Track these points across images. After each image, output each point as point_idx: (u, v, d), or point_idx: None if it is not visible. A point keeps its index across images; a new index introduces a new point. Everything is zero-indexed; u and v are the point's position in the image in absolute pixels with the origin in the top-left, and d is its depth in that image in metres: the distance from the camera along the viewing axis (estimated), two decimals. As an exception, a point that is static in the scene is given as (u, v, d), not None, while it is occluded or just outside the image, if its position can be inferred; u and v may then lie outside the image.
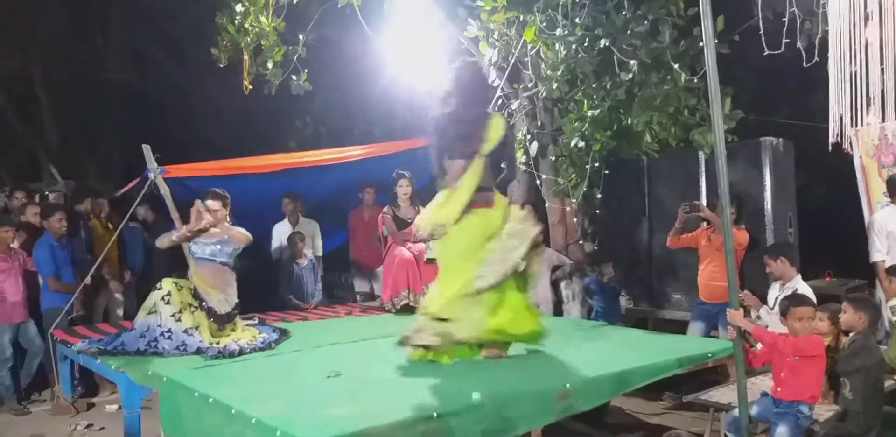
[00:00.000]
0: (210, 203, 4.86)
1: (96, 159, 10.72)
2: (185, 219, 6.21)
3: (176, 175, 6.06)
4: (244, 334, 4.64)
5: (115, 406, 5.31)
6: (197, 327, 4.30)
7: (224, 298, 4.64)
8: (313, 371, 3.66)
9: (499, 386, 3.26)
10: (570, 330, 4.87)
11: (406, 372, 3.70)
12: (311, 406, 3.00)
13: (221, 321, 4.54)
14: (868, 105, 3.36)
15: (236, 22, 6.01)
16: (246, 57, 6.12)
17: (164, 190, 5.87)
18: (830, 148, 3.28)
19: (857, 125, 3.31)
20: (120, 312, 6.58)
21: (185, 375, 3.59)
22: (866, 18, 3.46)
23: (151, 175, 5.78)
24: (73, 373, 5.43)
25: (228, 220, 4.94)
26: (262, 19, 5.89)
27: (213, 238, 4.82)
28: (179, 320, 4.23)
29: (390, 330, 4.93)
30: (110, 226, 6.51)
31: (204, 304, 4.47)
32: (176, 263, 6.23)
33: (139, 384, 3.80)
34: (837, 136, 3.23)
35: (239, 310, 4.78)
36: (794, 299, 3.85)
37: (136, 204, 6.11)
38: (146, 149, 5.79)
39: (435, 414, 2.87)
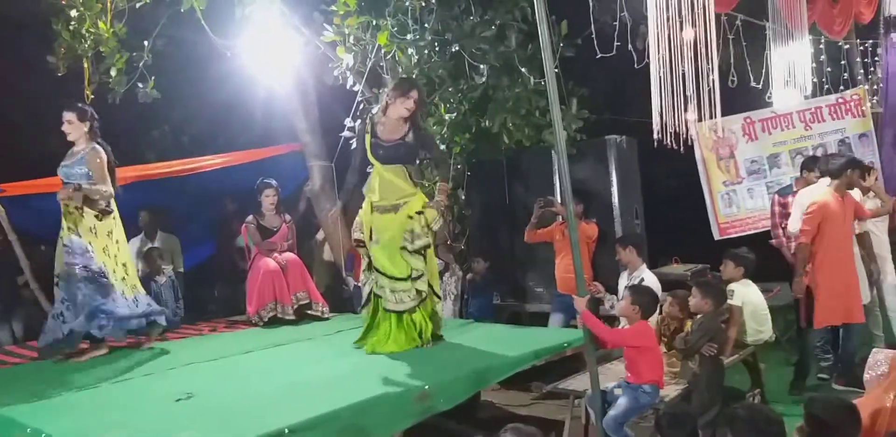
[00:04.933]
0: (65, 114, 4.65)
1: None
2: (26, 243, 5.81)
3: (13, 193, 5.66)
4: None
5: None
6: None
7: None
8: (163, 396, 3.50)
9: (354, 395, 3.24)
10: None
11: (260, 388, 3.61)
12: (153, 435, 2.88)
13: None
14: (686, 103, 3.61)
15: (72, 28, 5.65)
16: (86, 65, 5.77)
17: (-2, 210, 5.48)
18: (656, 144, 3.51)
19: (678, 122, 3.55)
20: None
21: (18, 409, 3.33)
22: (682, 21, 3.70)
23: (-18, 194, 5.38)
24: None
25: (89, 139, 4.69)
26: (101, 24, 5.57)
27: (71, 159, 4.65)
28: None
29: (252, 345, 4.81)
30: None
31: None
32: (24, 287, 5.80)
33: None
34: (659, 132, 3.45)
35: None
36: (636, 291, 4.06)
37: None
38: (-26, 167, 5.38)
39: (286, 430, 2.81)
